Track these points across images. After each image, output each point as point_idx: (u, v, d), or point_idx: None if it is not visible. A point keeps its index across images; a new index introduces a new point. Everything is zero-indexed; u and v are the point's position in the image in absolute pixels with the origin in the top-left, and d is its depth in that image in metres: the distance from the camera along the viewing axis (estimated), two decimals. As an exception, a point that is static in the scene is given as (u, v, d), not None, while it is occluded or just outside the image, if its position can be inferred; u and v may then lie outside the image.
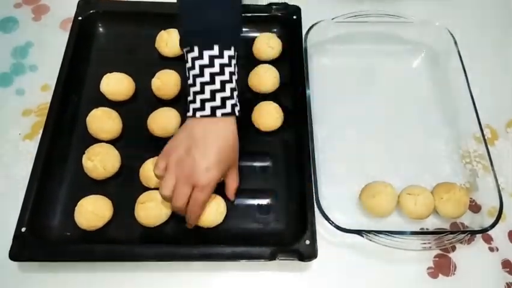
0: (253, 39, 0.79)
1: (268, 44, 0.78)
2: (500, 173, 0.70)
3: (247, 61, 0.79)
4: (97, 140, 0.69)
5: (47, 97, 0.73)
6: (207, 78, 0.58)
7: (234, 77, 0.60)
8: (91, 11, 0.80)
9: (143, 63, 0.78)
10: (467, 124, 0.72)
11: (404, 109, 0.77)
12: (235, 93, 0.60)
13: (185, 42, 0.60)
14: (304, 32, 0.78)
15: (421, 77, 0.81)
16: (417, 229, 0.66)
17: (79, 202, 0.63)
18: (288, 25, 0.80)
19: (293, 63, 0.77)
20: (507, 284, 0.64)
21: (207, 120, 0.59)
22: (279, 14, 0.81)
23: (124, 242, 0.63)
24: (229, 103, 0.59)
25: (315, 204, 0.63)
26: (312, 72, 0.77)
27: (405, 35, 0.83)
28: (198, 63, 0.58)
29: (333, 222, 0.62)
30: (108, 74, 0.73)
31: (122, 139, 0.71)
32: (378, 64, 0.82)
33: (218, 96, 0.58)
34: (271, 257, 0.59)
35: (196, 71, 0.58)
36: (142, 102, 0.75)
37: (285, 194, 0.67)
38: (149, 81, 0.74)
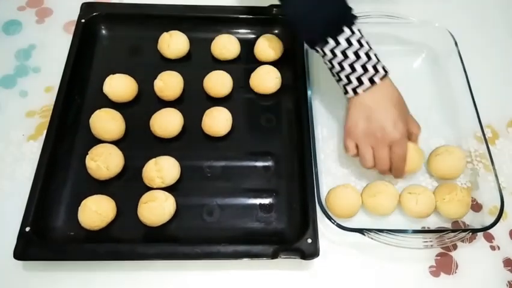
0: (254, 40, 0.80)
1: (269, 46, 0.79)
2: (501, 172, 0.70)
3: (249, 62, 0.79)
4: (100, 141, 0.70)
5: (50, 98, 0.74)
6: (352, 57, 0.62)
7: (369, 43, 0.64)
8: (94, 14, 0.81)
9: (146, 65, 0.79)
10: (468, 124, 0.73)
11: (405, 109, 0.78)
12: (377, 55, 0.64)
13: (318, 39, 0.63)
14: (305, 33, 0.78)
15: (422, 77, 0.82)
16: (418, 228, 0.67)
17: (83, 202, 0.64)
18: (289, 26, 0.81)
19: (294, 65, 0.77)
20: (509, 282, 0.64)
21: (369, 91, 0.63)
22: (280, 16, 0.82)
23: (127, 241, 0.63)
24: (379, 67, 0.63)
25: (316, 203, 0.63)
26: (313, 73, 0.77)
27: (406, 35, 0.83)
28: (338, 50, 0.62)
29: (334, 221, 0.62)
30: (111, 76, 0.74)
31: (125, 140, 0.72)
32: (379, 64, 0.82)
33: (369, 66, 0.62)
34: (274, 256, 0.60)
35: (340, 57, 0.62)
36: (145, 103, 0.75)
37: (286, 193, 0.68)
38: (152, 83, 0.75)
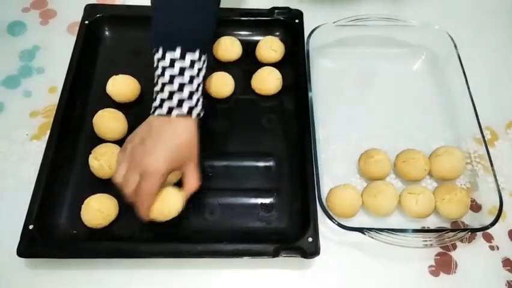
0: (256, 42, 0.81)
1: (271, 47, 0.80)
2: (500, 173, 0.71)
3: (251, 64, 0.80)
4: (103, 141, 0.70)
5: (54, 99, 0.74)
6: (166, 79, 0.59)
7: (196, 81, 0.60)
8: (98, 15, 0.81)
9: (149, 66, 0.77)
10: (467, 125, 0.73)
11: (405, 111, 0.78)
12: (196, 96, 0.60)
13: (153, 43, 0.61)
14: (306, 35, 0.79)
15: (421, 79, 0.82)
16: (418, 228, 0.67)
17: (85, 201, 0.64)
18: (291, 29, 0.82)
19: (295, 66, 0.78)
20: (508, 282, 0.64)
21: (165, 119, 0.60)
22: (282, 18, 0.83)
23: (129, 239, 0.64)
24: (186, 105, 0.59)
25: (317, 202, 0.64)
26: (314, 75, 0.78)
27: (405, 38, 0.84)
28: (161, 64, 0.60)
29: (335, 220, 0.62)
30: (114, 76, 0.75)
31: (127, 139, 0.72)
32: (378, 67, 0.83)
33: (175, 97, 0.59)
34: (275, 254, 0.60)
35: (159, 71, 0.60)
36: (148, 103, 0.74)
37: (287, 193, 0.68)
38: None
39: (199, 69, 0.61)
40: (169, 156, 0.58)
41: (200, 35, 0.62)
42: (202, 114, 0.62)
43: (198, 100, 0.61)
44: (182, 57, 0.59)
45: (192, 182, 0.63)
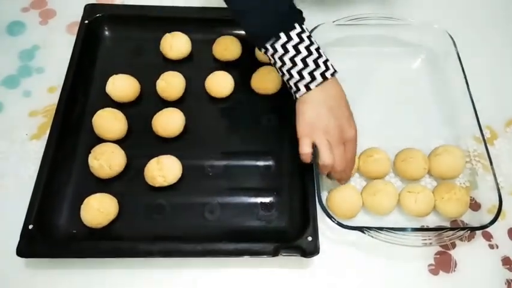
0: (255, 41, 0.81)
1: (270, 47, 0.80)
2: (500, 172, 0.71)
3: (250, 63, 0.80)
4: (103, 140, 0.70)
5: (53, 99, 0.74)
6: (304, 52, 0.62)
7: (313, 47, 0.63)
8: (97, 15, 0.82)
9: (148, 65, 0.79)
10: (466, 124, 0.73)
11: (404, 110, 0.78)
12: (321, 60, 0.63)
13: (269, 35, 0.62)
14: (305, 34, 0.79)
15: (421, 78, 0.82)
16: (417, 226, 0.67)
17: (85, 200, 0.64)
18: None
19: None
20: (507, 280, 0.64)
21: (320, 88, 0.62)
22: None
23: (129, 239, 0.64)
24: (329, 64, 0.63)
25: (317, 201, 0.64)
26: (314, 74, 0.78)
27: (405, 37, 0.84)
28: (290, 44, 0.62)
29: (335, 219, 0.62)
30: (114, 76, 0.75)
31: (127, 139, 0.72)
32: (378, 66, 0.83)
33: (320, 62, 0.62)
34: (274, 253, 0.60)
35: (292, 52, 0.62)
36: (147, 103, 0.76)
37: (287, 192, 0.69)
38: (154, 83, 0.75)
39: (308, 37, 0.63)
40: (350, 113, 0.64)
41: (287, 12, 0.63)
42: (336, 71, 0.64)
43: (325, 62, 0.63)
44: (302, 29, 0.62)
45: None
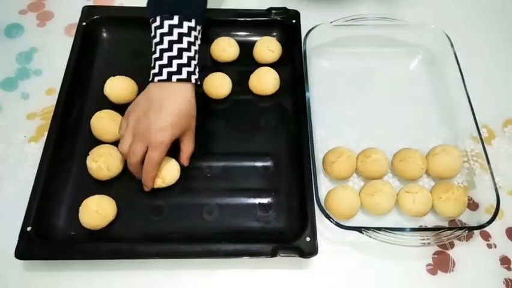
0: (253, 42, 0.81)
1: (268, 48, 0.80)
2: (497, 172, 0.71)
3: (248, 64, 0.80)
4: (101, 142, 0.71)
5: (51, 101, 0.74)
6: (165, 45, 0.63)
7: (193, 48, 0.64)
8: (95, 17, 0.82)
9: (146, 67, 0.78)
10: (464, 124, 0.74)
11: (402, 110, 0.79)
12: (193, 62, 0.64)
13: (149, 13, 0.65)
14: (303, 35, 0.80)
15: (418, 78, 0.83)
16: (416, 226, 0.67)
17: (83, 202, 0.64)
18: (288, 29, 0.82)
19: (293, 66, 0.78)
20: (505, 280, 0.64)
21: (164, 85, 0.63)
22: (279, 18, 0.83)
23: (127, 240, 0.64)
24: (185, 70, 0.63)
25: (315, 202, 0.64)
26: (311, 75, 0.78)
27: (402, 37, 0.84)
28: (159, 31, 0.63)
29: (333, 220, 0.63)
30: (112, 78, 0.75)
31: (125, 141, 0.72)
32: (376, 66, 0.84)
33: (175, 62, 0.62)
34: (273, 254, 0.60)
35: (157, 39, 0.64)
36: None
37: (285, 193, 0.69)
38: (152, 84, 0.75)
39: (196, 37, 0.64)
40: (173, 125, 0.62)
41: (194, 7, 0.65)
42: (199, 82, 0.65)
43: (195, 66, 0.64)
44: (180, 25, 0.63)
45: (189, 146, 0.67)
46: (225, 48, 0.80)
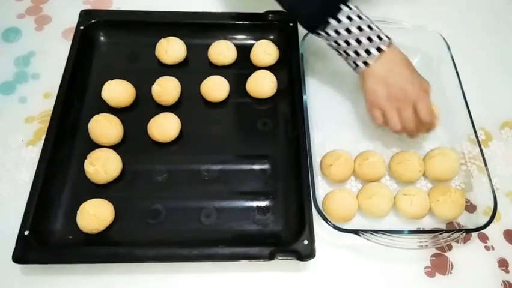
0: (251, 46, 0.81)
1: (265, 51, 0.80)
2: (495, 174, 0.71)
3: (246, 67, 0.80)
4: (99, 145, 0.71)
5: (49, 104, 0.74)
6: (356, 32, 0.65)
7: (367, 16, 0.67)
8: (93, 21, 0.82)
9: (144, 71, 0.80)
10: (461, 126, 0.74)
11: (400, 112, 0.79)
12: (377, 25, 0.67)
13: (319, 22, 0.66)
14: (300, 38, 0.80)
15: (416, 81, 0.83)
16: (413, 229, 0.67)
17: (81, 206, 0.64)
18: (285, 32, 0.82)
19: (290, 69, 0.78)
20: (503, 282, 0.64)
21: (378, 61, 0.66)
22: (276, 22, 0.83)
23: (125, 244, 0.64)
24: (383, 35, 0.66)
25: (313, 205, 0.64)
26: (309, 78, 0.78)
27: (399, 40, 0.83)
28: (341, 28, 0.66)
29: (330, 223, 0.63)
30: (109, 81, 0.75)
31: (123, 144, 0.72)
32: (373, 69, 0.83)
33: (373, 36, 0.66)
34: (270, 257, 0.60)
35: (344, 34, 0.66)
36: (143, 108, 0.76)
37: (283, 196, 0.69)
38: (150, 88, 0.76)
39: (358, 16, 0.66)
40: (413, 75, 0.66)
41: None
42: (390, 39, 0.67)
43: (378, 35, 0.66)
44: (349, 8, 0.66)
45: (427, 83, 0.69)
46: (223, 51, 0.80)
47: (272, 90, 0.77)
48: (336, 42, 0.67)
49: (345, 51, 0.67)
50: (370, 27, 0.66)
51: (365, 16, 0.67)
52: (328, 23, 0.65)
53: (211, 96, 0.76)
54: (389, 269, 0.65)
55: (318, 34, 0.68)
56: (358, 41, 0.65)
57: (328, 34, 0.66)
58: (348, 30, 0.65)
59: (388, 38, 0.67)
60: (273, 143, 0.74)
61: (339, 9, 0.65)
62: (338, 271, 0.64)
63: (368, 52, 0.65)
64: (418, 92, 0.66)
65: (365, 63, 0.66)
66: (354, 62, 0.67)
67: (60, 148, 0.70)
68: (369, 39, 0.65)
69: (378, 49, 0.65)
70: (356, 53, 0.66)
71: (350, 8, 0.65)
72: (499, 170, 0.73)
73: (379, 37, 0.66)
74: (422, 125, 0.68)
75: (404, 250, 0.63)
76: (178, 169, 0.70)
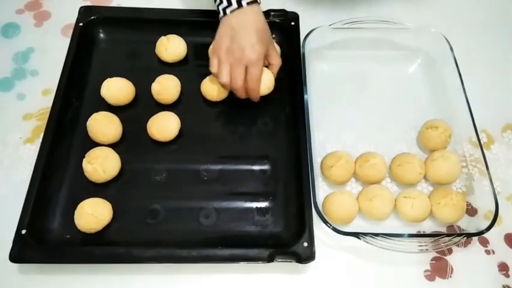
0: (252, 45, 0.80)
1: (266, 50, 0.79)
2: (496, 177, 0.71)
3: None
4: (97, 144, 0.70)
5: (47, 102, 0.74)
6: None
7: None
8: (92, 17, 0.81)
9: (144, 69, 0.79)
10: (463, 129, 0.73)
11: (400, 114, 0.78)
12: None
13: None
14: (302, 38, 0.79)
15: (417, 82, 0.82)
16: (414, 232, 0.67)
17: (79, 205, 0.64)
18: (287, 31, 0.82)
19: (291, 69, 0.78)
20: (504, 286, 0.64)
21: (237, 13, 0.68)
22: (278, 21, 0.82)
23: (123, 244, 0.63)
24: None
25: (313, 207, 0.63)
26: (310, 78, 0.78)
27: (401, 41, 0.84)
28: None
29: (330, 225, 0.62)
30: (108, 79, 0.74)
31: (122, 143, 0.72)
32: (375, 69, 0.83)
33: None
34: (270, 259, 0.60)
35: None
36: (142, 106, 0.76)
37: (283, 197, 0.68)
38: (149, 86, 0.75)
39: None
40: (261, 41, 0.68)
41: None
42: (257, 2, 0.69)
43: None
44: None
45: (277, 58, 0.73)
46: (223, 50, 0.79)
47: (270, 88, 0.75)
48: None
49: None
50: None
51: None
52: None
53: (211, 95, 0.76)
54: (389, 272, 0.64)
55: None
56: None
57: None
58: None
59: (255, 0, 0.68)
60: (273, 143, 0.73)
61: None
62: (338, 274, 0.64)
63: (228, 1, 0.67)
64: (254, 58, 0.67)
65: (224, 11, 0.68)
66: (217, 7, 0.69)
67: (59, 146, 0.69)
68: None
69: (239, 3, 0.67)
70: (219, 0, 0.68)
71: None
72: (500, 173, 0.73)
73: None
74: (247, 90, 0.70)
75: (403, 253, 0.62)
76: (178, 169, 0.69)
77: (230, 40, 0.67)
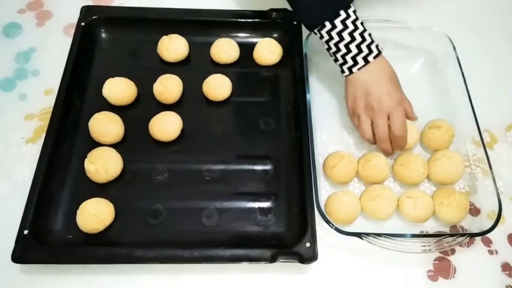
0: (254, 44, 0.80)
1: (269, 49, 0.79)
2: (499, 177, 0.71)
3: (248, 66, 0.80)
4: (99, 144, 0.70)
5: (49, 102, 0.74)
6: (347, 39, 0.66)
7: (364, 25, 0.67)
8: (94, 17, 0.81)
9: (145, 68, 0.79)
10: (466, 128, 0.73)
11: (404, 114, 0.78)
12: (372, 36, 0.68)
13: (316, 23, 0.67)
14: (304, 37, 0.79)
15: (420, 81, 0.82)
16: (417, 232, 0.67)
17: (81, 205, 0.64)
18: (289, 30, 0.81)
19: (293, 68, 0.78)
20: (507, 286, 0.64)
21: (364, 69, 0.67)
22: (280, 20, 0.82)
23: (125, 244, 0.63)
24: (373, 47, 0.67)
25: (315, 207, 0.63)
26: (312, 77, 0.78)
27: (404, 40, 0.83)
28: (334, 32, 0.66)
29: (333, 225, 0.62)
30: (110, 79, 0.74)
31: (124, 143, 0.72)
32: (377, 69, 0.83)
33: (363, 46, 0.66)
34: (272, 259, 0.60)
35: (336, 38, 0.66)
36: (144, 106, 0.75)
37: (285, 197, 0.68)
38: (151, 86, 0.75)
39: (353, 22, 0.66)
40: (395, 87, 0.68)
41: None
42: (381, 52, 0.68)
43: (368, 45, 0.67)
44: (348, 14, 0.66)
45: (409, 104, 0.71)
46: (225, 49, 0.79)
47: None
48: (327, 43, 0.68)
49: (334, 54, 0.68)
50: (363, 37, 0.66)
51: (361, 24, 0.67)
52: (324, 25, 0.66)
53: (213, 95, 0.75)
54: (391, 272, 0.64)
55: (314, 32, 0.69)
56: (347, 48, 0.66)
57: (322, 35, 0.67)
58: (340, 36, 0.66)
59: (379, 50, 0.67)
60: (275, 143, 0.73)
61: (338, 14, 0.65)
62: (340, 274, 0.64)
63: (354, 60, 0.67)
64: (394, 104, 0.67)
65: (350, 70, 0.68)
66: (341, 66, 0.69)
67: (61, 146, 0.69)
68: (359, 48, 0.66)
69: (365, 59, 0.66)
70: (344, 58, 0.67)
71: (348, 15, 0.65)
72: (503, 173, 0.73)
73: (369, 48, 0.66)
74: (394, 140, 0.68)
75: (406, 253, 0.62)
76: (179, 169, 0.69)
77: (365, 97, 0.67)
